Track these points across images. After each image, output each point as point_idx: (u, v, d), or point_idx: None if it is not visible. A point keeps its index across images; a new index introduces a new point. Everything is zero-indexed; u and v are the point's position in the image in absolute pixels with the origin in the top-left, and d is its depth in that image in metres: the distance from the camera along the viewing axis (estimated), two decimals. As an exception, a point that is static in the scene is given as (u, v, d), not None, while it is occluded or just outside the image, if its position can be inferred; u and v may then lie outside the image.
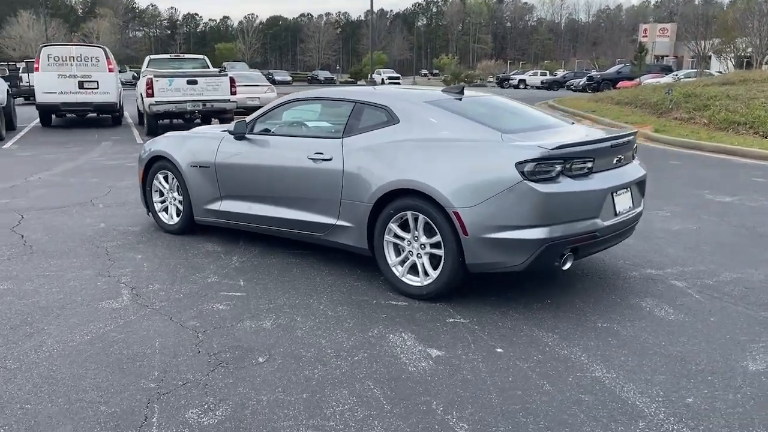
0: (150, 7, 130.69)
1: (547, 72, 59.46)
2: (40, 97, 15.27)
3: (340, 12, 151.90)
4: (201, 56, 18.33)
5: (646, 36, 63.81)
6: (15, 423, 2.78)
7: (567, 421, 2.83)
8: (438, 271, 4.13)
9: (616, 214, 4.18)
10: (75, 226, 6.17)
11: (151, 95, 13.65)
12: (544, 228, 3.82)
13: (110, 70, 15.69)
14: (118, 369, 3.28)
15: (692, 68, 44.16)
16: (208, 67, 17.03)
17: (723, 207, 7.15)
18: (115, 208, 6.98)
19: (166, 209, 5.96)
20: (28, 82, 23.77)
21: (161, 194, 5.97)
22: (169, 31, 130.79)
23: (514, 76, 58.20)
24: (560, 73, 58.61)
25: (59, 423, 2.79)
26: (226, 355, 3.44)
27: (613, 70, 42.61)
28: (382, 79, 56.67)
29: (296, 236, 4.98)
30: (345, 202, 4.51)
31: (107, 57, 15.71)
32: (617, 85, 34.25)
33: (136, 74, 34.42)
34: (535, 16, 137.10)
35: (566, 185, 3.87)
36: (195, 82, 14.00)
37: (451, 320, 3.92)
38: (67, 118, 17.74)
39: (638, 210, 4.52)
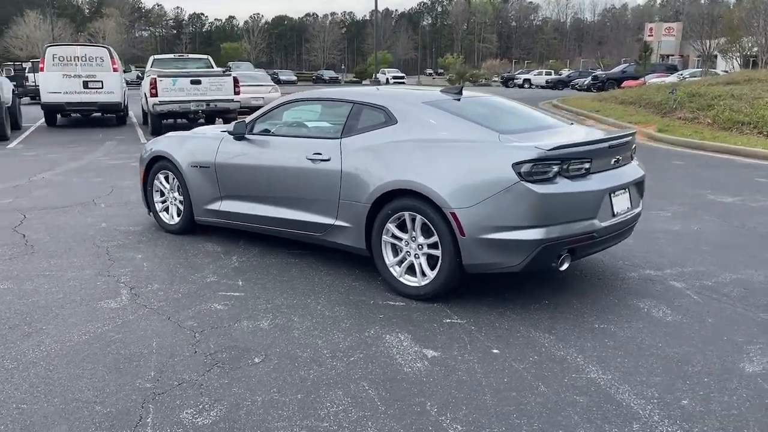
0: (156, 6, 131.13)
1: (552, 71, 59.34)
2: (45, 97, 15.33)
3: (345, 12, 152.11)
4: (205, 56, 18.37)
5: (652, 35, 63.52)
6: (11, 423, 2.80)
7: (561, 422, 2.83)
8: (435, 272, 4.13)
9: (614, 215, 4.17)
10: (76, 225, 6.20)
11: (155, 95, 13.70)
12: (541, 229, 3.82)
13: (114, 70, 15.74)
14: (114, 369, 3.30)
15: (698, 67, 43.98)
16: (212, 67, 17.07)
17: (724, 207, 7.13)
18: (117, 207, 7.01)
19: (167, 209, 5.98)
20: (34, 81, 23.85)
21: (162, 194, 5.99)
22: (175, 31, 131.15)
23: (518, 76, 58.13)
24: (565, 72, 58.48)
25: (54, 423, 2.80)
26: (223, 356, 3.45)
27: (617, 69, 42.44)
28: (387, 79, 56.69)
29: (295, 236, 4.99)
30: (343, 203, 4.52)
31: (111, 57, 15.76)
32: (622, 85, 34.13)
33: (140, 74, 34.51)
34: (541, 15, 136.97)
35: (563, 186, 3.87)
36: (198, 82, 14.04)
37: (448, 321, 3.92)
38: (72, 118, 17.82)
39: (637, 211, 4.51)
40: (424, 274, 4.21)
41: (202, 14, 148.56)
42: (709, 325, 3.89)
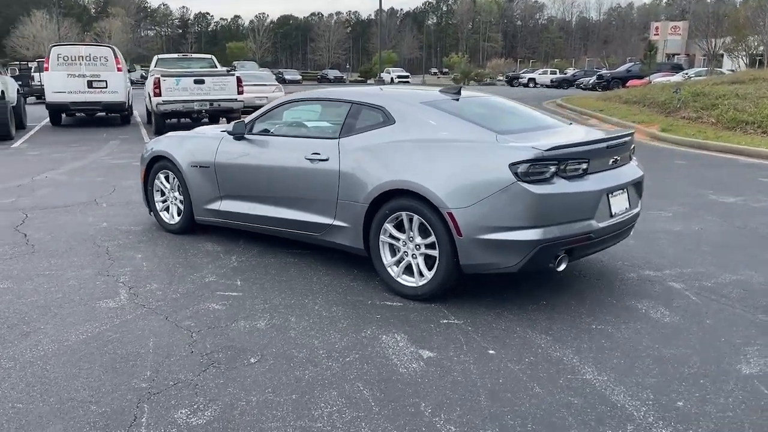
0: (162, 6, 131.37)
1: (557, 70, 59.20)
2: (50, 97, 15.40)
3: (350, 11, 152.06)
4: (209, 56, 18.41)
5: (658, 34, 63.38)
6: (6, 422, 2.81)
7: (555, 423, 2.83)
8: (433, 272, 4.13)
9: (612, 216, 4.16)
10: (78, 225, 6.22)
11: (159, 94, 13.73)
12: (538, 229, 3.81)
13: (119, 70, 15.79)
14: (111, 369, 3.31)
15: (704, 67, 43.82)
16: (216, 67, 17.10)
17: (726, 208, 7.10)
18: (119, 207, 7.03)
19: (167, 209, 5.99)
20: (40, 81, 23.96)
21: (162, 194, 6.01)
22: (181, 31, 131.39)
23: (523, 75, 58.03)
24: (570, 71, 58.34)
25: (49, 422, 2.82)
26: (219, 356, 3.46)
27: (623, 68, 42.36)
28: (391, 78, 56.71)
29: (294, 236, 5.00)
30: (341, 203, 4.52)
31: (116, 56, 15.81)
32: (627, 84, 34.07)
33: (144, 73, 34.59)
34: (546, 14, 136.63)
35: (560, 186, 3.86)
36: (202, 82, 14.07)
37: (445, 321, 3.92)
38: (76, 117, 17.88)
39: (635, 211, 4.50)
40: (421, 274, 4.21)
41: (208, 14, 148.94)
42: (707, 326, 3.88)
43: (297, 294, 4.39)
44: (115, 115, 17.00)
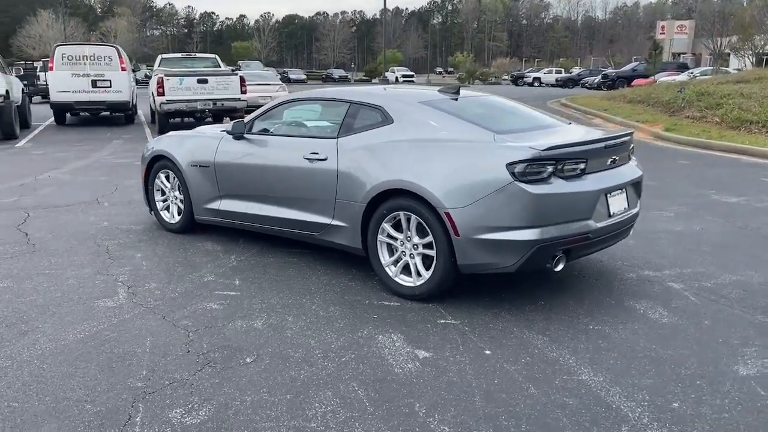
0: (167, 6, 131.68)
1: (562, 70, 59.06)
2: (55, 96, 15.45)
3: (355, 10, 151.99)
4: (212, 55, 18.43)
5: (664, 33, 63.09)
6: (1, 421, 2.82)
7: (549, 424, 2.82)
8: (430, 272, 4.13)
9: (610, 216, 4.15)
10: (79, 224, 6.24)
11: (162, 94, 13.76)
12: (536, 229, 3.81)
13: (123, 69, 15.83)
14: (107, 368, 3.31)
15: (710, 66, 43.64)
16: (219, 66, 17.13)
17: (728, 208, 7.07)
18: (120, 206, 7.05)
19: (167, 208, 6.01)
20: (45, 81, 24.05)
21: (163, 193, 6.02)
22: (186, 30, 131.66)
23: (528, 74, 57.95)
24: (575, 70, 58.19)
25: (44, 421, 2.83)
26: (215, 355, 3.46)
27: (628, 67, 42.19)
28: (396, 78, 56.67)
29: (293, 236, 5.00)
30: (339, 202, 4.52)
31: (120, 56, 15.85)
32: (632, 83, 33.95)
33: (148, 73, 34.66)
34: (551, 13, 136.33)
35: (558, 186, 3.85)
36: (205, 81, 14.10)
37: (442, 321, 3.92)
38: (81, 117, 17.93)
39: (634, 211, 4.49)
40: (419, 274, 4.20)
41: (213, 13, 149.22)
42: (705, 327, 3.86)
43: (295, 293, 4.39)
44: (120, 115, 17.03)
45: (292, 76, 56.70)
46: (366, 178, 4.33)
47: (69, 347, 3.55)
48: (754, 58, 44.36)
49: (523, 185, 3.76)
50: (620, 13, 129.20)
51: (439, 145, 4.11)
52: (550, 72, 56.45)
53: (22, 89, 15.73)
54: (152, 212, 6.17)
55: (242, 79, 14.60)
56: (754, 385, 3.15)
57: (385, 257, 4.36)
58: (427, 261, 4.18)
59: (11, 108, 13.27)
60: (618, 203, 4.24)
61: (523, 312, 4.06)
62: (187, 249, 5.41)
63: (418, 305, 4.16)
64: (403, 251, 4.28)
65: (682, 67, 40.23)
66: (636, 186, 4.50)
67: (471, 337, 3.69)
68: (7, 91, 12.98)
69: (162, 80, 13.77)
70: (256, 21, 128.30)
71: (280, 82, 20.34)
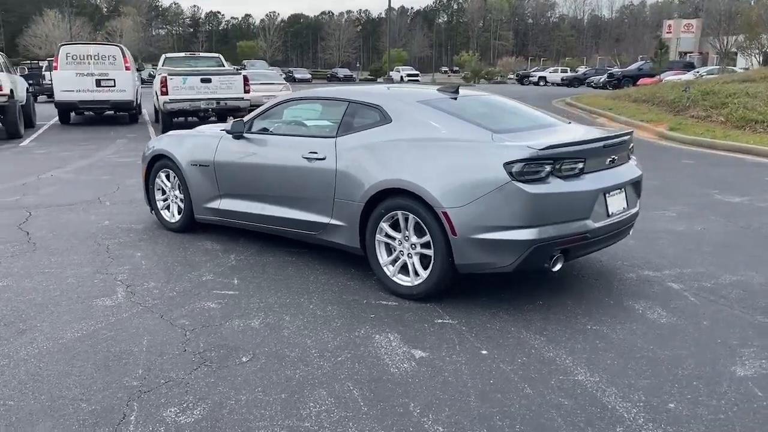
0: (173, 5, 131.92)
1: (568, 69, 58.91)
2: (59, 95, 15.51)
3: (360, 10, 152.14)
4: (216, 54, 18.47)
5: (671, 32, 62.87)
6: (-4, 419, 2.83)
7: (544, 425, 2.81)
8: (428, 271, 4.12)
9: (608, 215, 4.13)
10: (80, 223, 6.26)
11: (166, 93, 13.80)
12: (533, 229, 3.79)
13: (127, 69, 15.87)
14: (103, 367, 3.32)
15: (716, 65, 43.45)
16: (223, 66, 17.16)
17: (731, 207, 7.03)
18: (122, 205, 7.06)
19: (168, 207, 6.02)
20: (50, 80, 24.15)
21: (163, 192, 6.03)
22: (192, 29, 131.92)
23: (534, 73, 57.83)
24: (581, 69, 58.04)
25: (39, 420, 2.83)
26: (211, 354, 3.46)
27: (634, 66, 42.07)
28: (401, 77, 56.64)
29: (292, 235, 5.00)
30: (338, 201, 4.52)
31: (124, 55, 15.89)
32: (638, 82, 33.84)
33: (152, 72, 34.74)
34: (557, 12, 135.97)
35: (556, 186, 3.84)
36: (209, 81, 14.12)
37: (440, 321, 3.91)
38: (85, 116, 17.98)
39: (633, 211, 4.47)
40: (417, 273, 4.20)
41: (219, 13, 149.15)
42: (703, 327, 3.84)
43: (293, 293, 4.39)
44: (124, 114, 17.09)
45: (297, 76, 56.74)
46: (364, 177, 4.32)
47: (66, 346, 3.55)
48: (760, 57, 44.15)
49: (520, 185, 3.75)
50: (626, 12, 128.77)
51: (437, 145, 4.10)
52: (555, 71, 56.32)
53: (27, 88, 15.79)
54: (153, 211, 6.18)
55: (245, 79, 14.61)
56: (751, 386, 3.14)
57: (383, 257, 4.36)
58: (424, 261, 4.17)
59: (15, 107, 13.32)
60: (617, 203, 4.22)
61: (521, 312, 4.05)
62: (186, 248, 5.42)
63: (416, 305, 4.15)
64: (401, 251, 4.27)
65: (689, 66, 40.09)
66: (635, 186, 4.48)
67: (468, 337, 3.68)
68: (11, 91, 13.03)
69: (165, 79, 13.80)
70: (262, 20, 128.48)
71: (284, 82, 20.36)
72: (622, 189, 4.28)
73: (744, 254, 5.29)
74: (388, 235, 4.31)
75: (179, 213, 5.87)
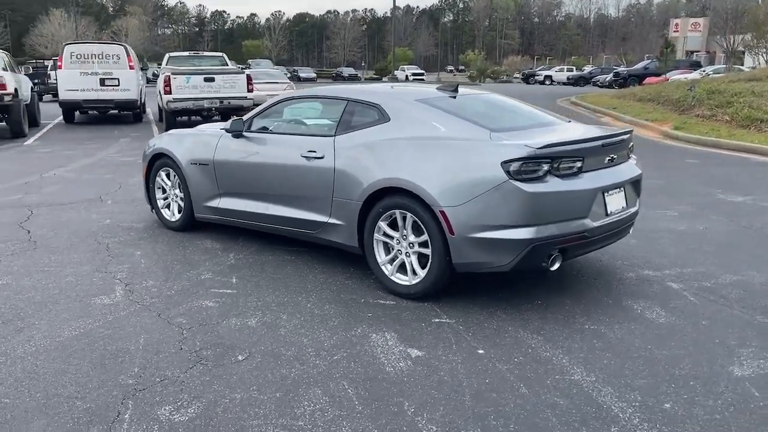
0: (178, 4, 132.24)
1: (574, 68, 58.76)
2: (63, 95, 15.54)
3: (366, 9, 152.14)
4: (220, 53, 18.49)
5: (678, 31, 62.58)
6: (-9, 417, 2.84)
7: (538, 424, 2.80)
8: (426, 271, 4.11)
9: (607, 214, 4.11)
10: (81, 222, 6.27)
11: (169, 92, 13.82)
12: (531, 228, 3.78)
13: (131, 68, 15.89)
14: (99, 365, 3.32)
15: (723, 64, 43.21)
16: (227, 65, 17.18)
17: (734, 207, 6.99)
18: (123, 204, 7.08)
19: (168, 206, 6.02)
20: (56, 79, 24.22)
21: (164, 191, 6.04)
22: (197, 29, 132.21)
23: (540, 72, 57.72)
24: (587, 68, 57.88)
25: (34, 418, 2.84)
26: (207, 353, 3.46)
27: (640, 65, 41.88)
28: (406, 76, 56.62)
29: (291, 234, 5.00)
30: (336, 200, 4.51)
31: (128, 54, 15.91)
32: (644, 81, 33.69)
33: (156, 71, 34.84)
34: (564, 11, 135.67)
35: (554, 185, 3.82)
36: (212, 80, 14.14)
37: (437, 320, 3.90)
38: (89, 115, 18.03)
39: (633, 210, 4.44)
40: (414, 272, 4.19)
41: (224, 12, 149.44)
42: (702, 327, 3.82)
43: (291, 292, 4.38)
44: (128, 113, 17.12)
45: (302, 75, 56.77)
46: (362, 176, 4.32)
47: (63, 344, 3.56)
48: (767, 56, 43.91)
49: (518, 183, 3.74)
50: (633, 11, 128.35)
51: (435, 143, 4.09)
52: (561, 70, 56.20)
53: (32, 87, 15.85)
54: (153, 210, 6.19)
55: (249, 78, 14.62)
56: (748, 386, 3.11)
57: (381, 256, 4.35)
58: (422, 260, 4.16)
59: (20, 106, 13.37)
60: (616, 202, 4.20)
61: (519, 311, 4.03)
62: (186, 247, 5.43)
63: (414, 304, 4.14)
64: (399, 250, 4.26)
65: (695, 65, 39.89)
66: (635, 184, 4.46)
67: (465, 336, 3.67)
68: (16, 90, 13.08)
69: (169, 78, 13.83)
70: (267, 19, 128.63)
71: (288, 81, 20.38)
72: (622, 188, 4.26)
73: (746, 254, 5.26)
74: (386, 234, 4.30)
75: (179, 212, 5.88)
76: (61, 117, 16.87)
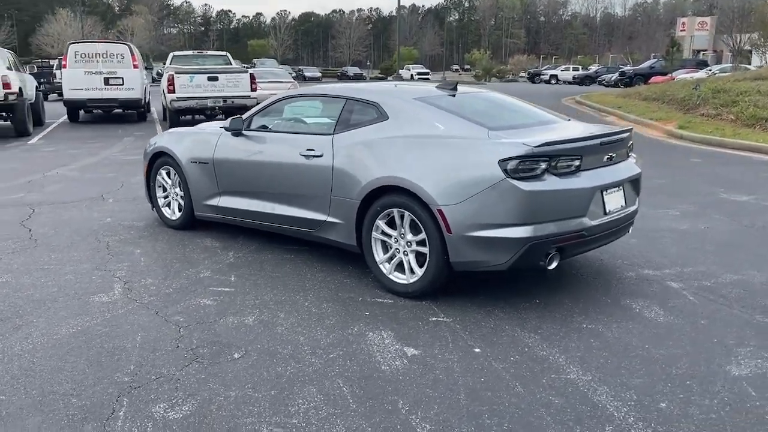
0: (184, 4, 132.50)
1: (580, 67, 58.61)
2: (68, 94, 15.60)
3: (371, 8, 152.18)
4: (224, 52, 18.52)
5: (684, 30, 62.27)
6: (-14, 414, 2.85)
7: (532, 423, 2.79)
8: (423, 269, 4.10)
9: (605, 213, 4.09)
10: (82, 220, 6.29)
11: (173, 91, 13.85)
12: (528, 227, 3.77)
13: (135, 67, 15.93)
14: (96, 362, 3.33)
15: (730, 63, 42.97)
16: (231, 64, 17.20)
17: (737, 206, 6.96)
18: (125, 203, 7.10)
19: (168, 204, 6.03)
20: (61, 78, 24.29)
21: (164, 189, 6.05)
22: (203, 28, 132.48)
23: (545, 71, 57.59)
24: (593, 68, 57.70)
25: (29, 415, 2.84)
26: (203, 351, 3.47)
27: (646, 65, 41.73)
28: (411, 75, 56.58)
29: (290, 232, 5.00)
30: (335, 199, 4.51)
31: (132, 54, 15.96)
32: (650, 81, 33.56)
33: (160, 70, 34.93)
34: (570, 10, 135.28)
35: (551, 183, 3.81)
36: (216, 79, 14.17)
37: (434, 319, 3.89)
38: (94, 114, 18.07)
39: (632, 209, 4.42)
40: (412, 271, 4.18)
41: (230, 11, 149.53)
42: (701, 326, 3.80)
43: (289, 290, 4.38)
44: (132, 112, 17.17)
45: (307, 74, 56.76)
46: (360, 175, 4.31)
47: (60, 342, 3.57)
48: (774, 55, 43.64)
49: (515, 182, 3.73)
50: (640, 10, 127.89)
51: (433, 142, 4.08)
52: (567, 69, 56.09)
53: (37, 87, 15.90)
54: (154, 208, 6.20)
55: (252, 77, 14.64)
56: (745, 385, 3.10)
57: (379, 254, 4.35)
58: (420, 258, 4.15)
59: (24, 105, 13.42)
60: (614, 201, 4.18)
61: (517, 310, 4.02)
62: (186, 245, 5.43)
63: (412, 302, 4.13)
64: (397, 248, 4.26)
65: (702, 65, 39.69)
66: (634, 183, 4.44)
67: (462, 335, 3.67)
68: (20, 89, 13.13)
69: (173, 77, 13.86)
70: (273, 19, 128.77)
71: (292, 80, 20.39)
72: (620, 187, 4.25)
73: (747, 253, 5.23)
74: (384, 233, 4.29)
75: (180, 210, 5.89)
76: (66, 116, 16.93)
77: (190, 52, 18.91)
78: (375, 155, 4.28)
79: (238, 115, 5.34)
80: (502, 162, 3.74)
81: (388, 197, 4.19)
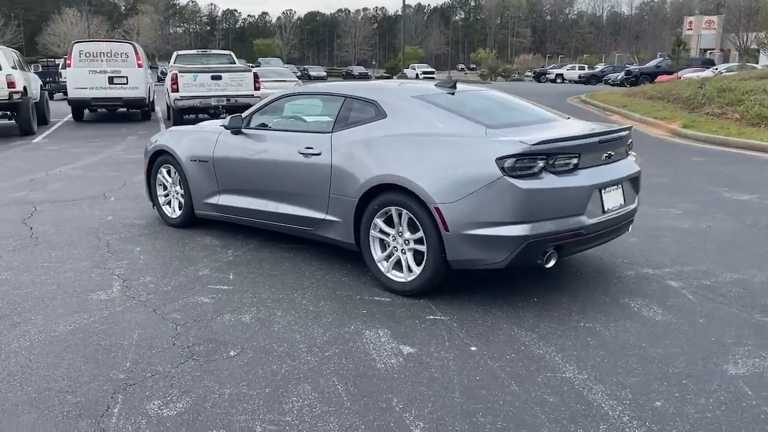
0: (190, 3, 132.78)
1: (585, 66, 58.45)
2: (72, 93, 15.66)
3: (377, 7, 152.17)
4: (227, 52, 18.55)
5: (691, 29, 61.99)
6: (-19, 410, 2.86)
7: (527, 422, 2.78)
8: (421, 267, 4.09)
9: (604, 212, 4.08)
10: (83, 218, 6.31)
11: (176, 90, 13.88)
12: (525, 225, 3.76)
13: (139, 66, 15.97)
14: (92, 360, 3.34)
15: (738, 62, 42.76)
16: (234, 63, 17.23)
17: (739, 205, 6.92)
18: (126, 201, 7.12)
19: (169, 203, 6.04)
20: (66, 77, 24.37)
21: (165, 188, 6.06)
22: (209, 27, 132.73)
23: (551, 71, 57.51)
24: (599, 67, 57.52)
25: (24, 411, 2.85)
26: (199, 348, 3.47)
27: (652, 64, 41.55)
28: (417, 74, 56.52)
29: (289, 231, 5.00)
30: (333, 197, 4.51)
31: (136, 53, 16.00)
32: (656, 80, 33.43)
33: (164, 70, 35.02)
34: (576, 9, 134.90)
35: (549, 181, 3.80)
36: (219, 78, 14.19)
37: (431, 317, 3.88)
38: (98, 113, 18.15)
39: (631, 207, 4.41)
40: (410, 269, 4.18)
41: (236, 11, 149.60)
42: (699, 325, 3.78)
43: (287, 288, 4.39)
44: (136, 111, 17.22)
45: (312, 73, 56.80)
46: (358, 173, 4.31)
47: (58, 339, 3.58)
48: (781, 54, 43.42)
49: (512, 180, 3.71)
50: (646, 9, 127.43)
51: (431, 140, 4.08)
52: (573, 68, 55.97)
53: (42, 86, 15.96)
54: (155, 207, 6.22)
55: (256, 76, 14.66)
56: (742, 384, 3.08)
57: (377, 252, 4.34)
58: (418, 256, 4.15)
59: (29, 104, 13.47)
60: (613, 199, 4.17)
61: (515, 309, 4.01)
62: (186, 243, 5.44)
63: (409, 301, 4.13)
64: (395, 246, 4.25)
65: (708, 63, 39.51)
66: (633, 182, 4.42)
67: (458, 333, 3.66)
68: (24, 88, 13.18)
69: (176, 76, 13.89)
70: (278, 18, 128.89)
71: (296, 78, 20.40)
72: (619, 185, 4.23)
73: (748, 252, 5.20)
74: (382, 231, 4.29)
75: (180, 208, 5.90)
76: (71, 115, 16.98)
77: (194, 52, 18.95)
78: (373, 153, 4.27)
79: (238, 114, 5.34)
80: (500, 160, 3.73)
81: (386, 195, 4.18)
